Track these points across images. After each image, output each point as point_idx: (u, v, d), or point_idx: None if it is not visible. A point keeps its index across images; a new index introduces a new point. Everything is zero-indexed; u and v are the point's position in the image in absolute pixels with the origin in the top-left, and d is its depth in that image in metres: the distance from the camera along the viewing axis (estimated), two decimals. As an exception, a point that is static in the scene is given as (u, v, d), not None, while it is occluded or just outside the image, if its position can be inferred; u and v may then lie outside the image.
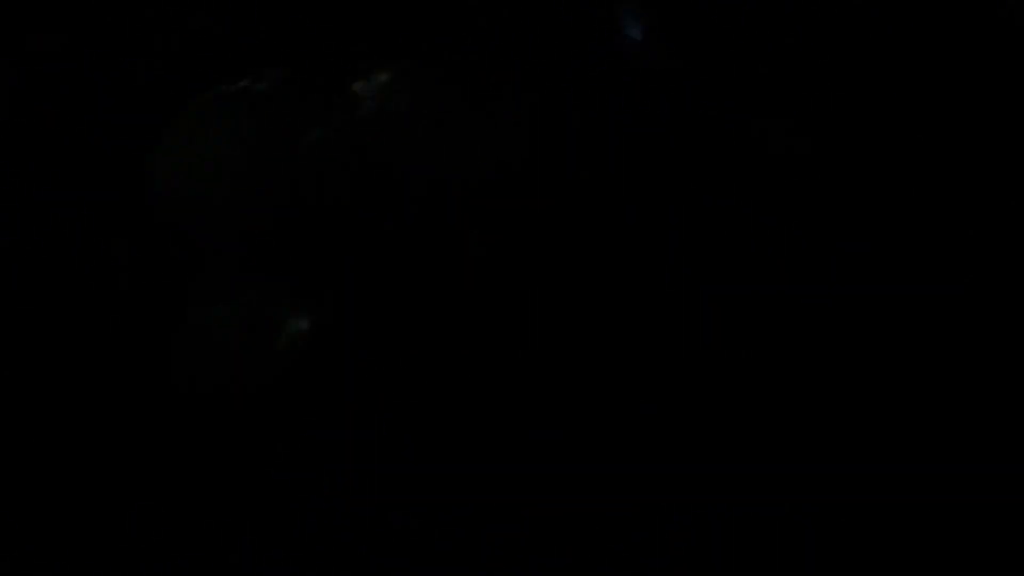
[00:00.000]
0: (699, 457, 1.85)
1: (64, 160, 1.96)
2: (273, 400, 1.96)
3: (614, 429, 1.82)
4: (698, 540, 1.90)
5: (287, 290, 1.91)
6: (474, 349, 1.90)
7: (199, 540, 1.91)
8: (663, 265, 1.89)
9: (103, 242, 1.99)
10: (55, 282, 2.00)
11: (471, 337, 1.90)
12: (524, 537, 1.82)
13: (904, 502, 1.89)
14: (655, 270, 1.89)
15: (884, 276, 1.93)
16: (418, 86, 2.03)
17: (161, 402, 1.93)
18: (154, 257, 1.99)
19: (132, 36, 1.63)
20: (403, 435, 1.88)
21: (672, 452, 1.85)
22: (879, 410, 1.94)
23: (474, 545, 1.80)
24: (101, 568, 1.92)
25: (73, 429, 1.94)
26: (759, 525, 1.88)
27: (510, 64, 2.04)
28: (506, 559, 1.80)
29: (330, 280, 1.89)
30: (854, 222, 1.96)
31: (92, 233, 1.92)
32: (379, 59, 2.23)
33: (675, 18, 2.04)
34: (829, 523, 1.92)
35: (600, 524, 1.89)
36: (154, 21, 1.65)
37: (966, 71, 1.92)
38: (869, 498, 1.90)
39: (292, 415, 1.92)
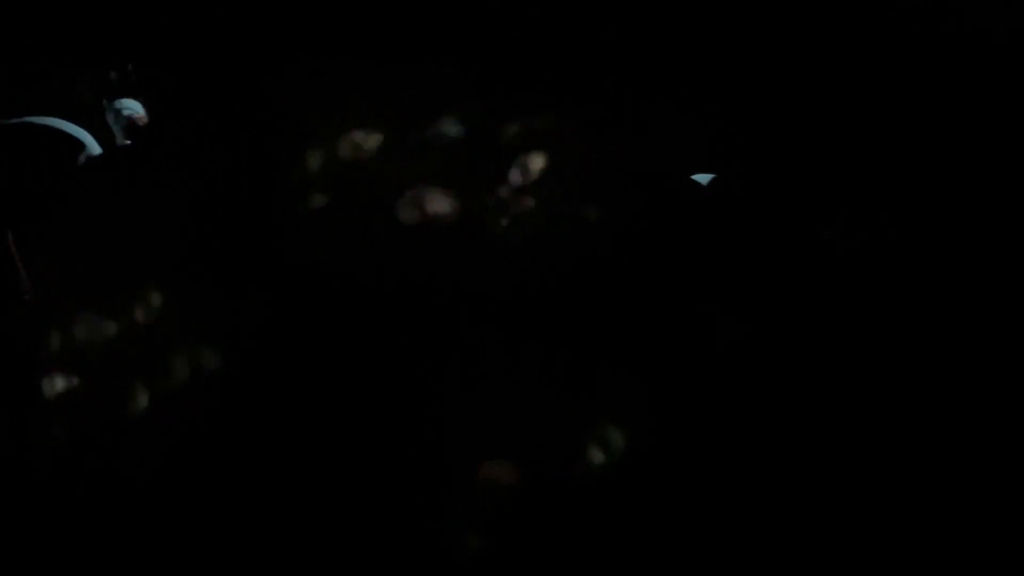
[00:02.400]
0: (703, 457, 1.85)
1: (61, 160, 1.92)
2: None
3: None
4: (698, 540, 1.88)
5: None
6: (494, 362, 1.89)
7: (202, 539, 1.88)
8: (679, 297, 1.91)
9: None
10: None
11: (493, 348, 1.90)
12: (525, 537, 1.81)
13: (905, 502, 1.86)
14: (673, 301, 1.90)
15: (887, 275, 1.91)
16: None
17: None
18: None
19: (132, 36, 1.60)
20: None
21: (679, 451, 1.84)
22: (880, 411, 1.91)
23: (475, 545, 1.77)
24: (104, 567, 1.89)
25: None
26: (760, 526, 1.86)
27: (531, 71, 2.02)
28: (506, 559, 1.79)
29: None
30: (850, 216, 1.94)
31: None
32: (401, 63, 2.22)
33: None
34: (830, 523, 1.89)
35: (601, 523, 1.88)
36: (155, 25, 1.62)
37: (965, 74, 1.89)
38: (870, 499, 1.87)
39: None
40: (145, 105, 3.95)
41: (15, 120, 4.00)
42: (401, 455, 2.16)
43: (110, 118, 4.01)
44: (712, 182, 2.24)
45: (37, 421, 3.45)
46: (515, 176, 2.33)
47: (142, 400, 3.21)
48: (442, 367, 2.17)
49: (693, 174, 2.32)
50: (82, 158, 3.98)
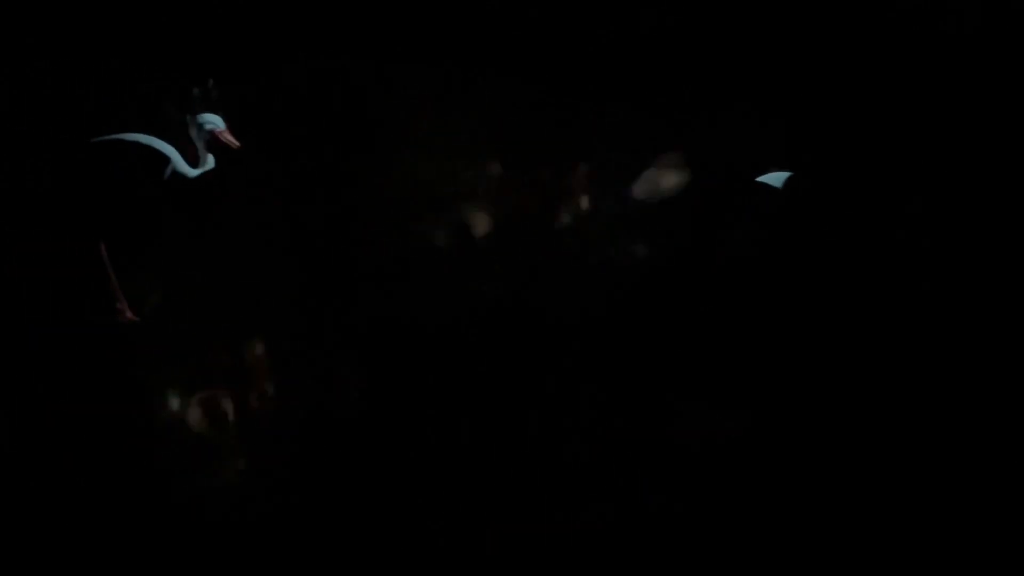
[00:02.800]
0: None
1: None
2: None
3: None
4: (698, 539, 1.90)
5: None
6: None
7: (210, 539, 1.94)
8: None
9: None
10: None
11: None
12: (527, 538, 1.84)
13: (905, 502, 1.88)
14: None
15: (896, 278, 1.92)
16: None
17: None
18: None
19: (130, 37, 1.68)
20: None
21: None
22: (880, 412, 1.92)
23: (478, 545, 1.82)
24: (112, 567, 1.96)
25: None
26: (761, 526, 1.88)
27: (535, 67, 2.05)
28: (509, 560, 1.83)
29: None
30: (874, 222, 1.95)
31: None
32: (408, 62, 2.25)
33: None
34: (829, 524, 1.91)
35: (604, 517, 1.91)
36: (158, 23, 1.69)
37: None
38: (868, 499, 1.89)
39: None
40: (225, 119, 4.09)
41: (106, 137, 4.15)
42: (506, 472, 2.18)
43: (193, 133, 4.16)
44: (788, 180, 2.25)
45: (133, 429, 3.56)
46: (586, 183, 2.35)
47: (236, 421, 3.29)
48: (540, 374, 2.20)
49: (767, 173, 2.34)
50: (168, 172, 4.12)
